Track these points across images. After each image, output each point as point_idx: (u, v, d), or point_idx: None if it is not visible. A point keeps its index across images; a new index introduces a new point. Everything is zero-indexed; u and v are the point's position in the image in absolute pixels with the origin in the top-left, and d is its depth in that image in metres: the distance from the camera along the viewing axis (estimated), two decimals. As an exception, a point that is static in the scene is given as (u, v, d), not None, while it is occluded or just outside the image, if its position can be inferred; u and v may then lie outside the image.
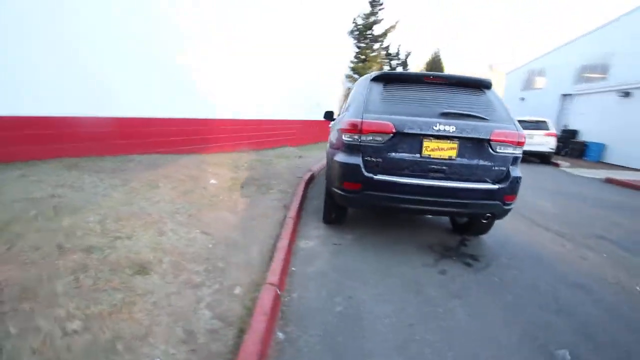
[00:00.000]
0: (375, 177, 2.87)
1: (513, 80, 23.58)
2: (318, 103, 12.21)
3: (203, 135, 7.36)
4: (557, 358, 1.83)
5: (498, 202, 2.91)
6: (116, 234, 2.66)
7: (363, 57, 13.19)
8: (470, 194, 2.86)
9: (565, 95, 18.71)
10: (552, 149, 11.10)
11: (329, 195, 3.46)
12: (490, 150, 2.87)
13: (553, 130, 11.25)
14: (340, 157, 3.06)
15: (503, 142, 2.86)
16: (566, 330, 2.12)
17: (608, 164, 12.42)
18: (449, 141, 2.84)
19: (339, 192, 3.10)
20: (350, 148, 3.00)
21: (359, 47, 13.36)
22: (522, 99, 21.83)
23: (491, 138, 2.83)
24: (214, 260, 2.56)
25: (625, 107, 12.09)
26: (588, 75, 17.94)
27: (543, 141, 10.93)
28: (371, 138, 2.89)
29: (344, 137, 3.04)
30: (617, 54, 15.88)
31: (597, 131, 13.93)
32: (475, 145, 2.86)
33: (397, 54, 16.31)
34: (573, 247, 3.62)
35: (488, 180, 2.92)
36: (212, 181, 5.18)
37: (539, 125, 11.15)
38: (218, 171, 5.92)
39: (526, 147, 3.67)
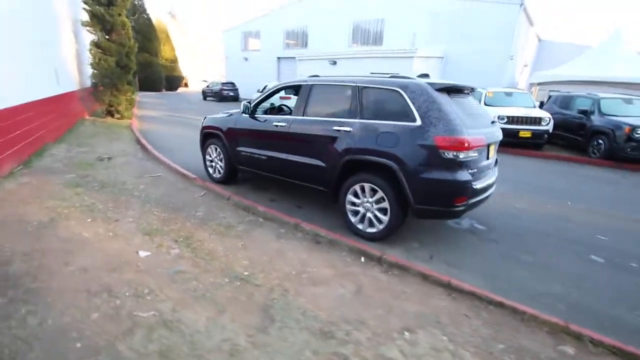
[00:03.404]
0: (476, 186, 3.16)
1: (231, 39, 24.92)
2: (56, 69, 7.93)
3: None
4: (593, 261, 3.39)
5: None
6: None
7: (105, -2, 9.43)
8: None
9: (280, 58, 22.51)
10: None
11: (403, 210, 3.25)
12: None
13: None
14: (446, 175, 2.98)
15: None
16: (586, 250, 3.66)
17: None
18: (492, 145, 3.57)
19: (444, 209, 3.10)
20: (456, 164, 2.99)
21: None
22: (246, 59, 24.00)
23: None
24: (438, 326, 2.08)
25: (334, 71, 16.73)
26: (292, 42, 22.42)
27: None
28: (472, 153, 3.07)
29: (445, 154, 2.96)
30: (311, 27, 20.80)
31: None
32: None
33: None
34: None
35: None
36: (144, 253, 2.94)
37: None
38: (90, 228, 3.28)
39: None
